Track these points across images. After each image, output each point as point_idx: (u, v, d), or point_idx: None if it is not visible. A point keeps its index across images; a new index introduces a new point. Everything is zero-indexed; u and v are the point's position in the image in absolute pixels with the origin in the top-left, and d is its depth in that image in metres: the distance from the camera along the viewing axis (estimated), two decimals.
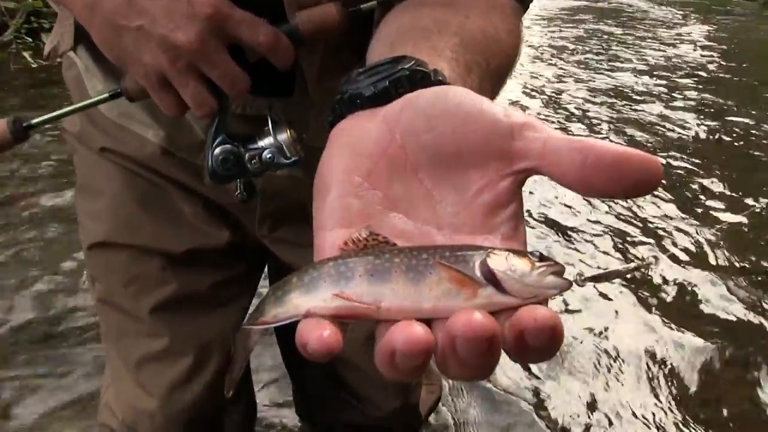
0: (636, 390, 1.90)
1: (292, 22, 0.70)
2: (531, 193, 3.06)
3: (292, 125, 0.75)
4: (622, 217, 2.95)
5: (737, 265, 2.57)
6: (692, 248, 2.68)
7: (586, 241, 2.73)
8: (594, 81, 5.35)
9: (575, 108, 4.59)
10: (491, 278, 0.39)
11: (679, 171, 3.51)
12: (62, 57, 0.98)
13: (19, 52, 4.49)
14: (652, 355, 2.04)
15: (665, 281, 2.44)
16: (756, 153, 3.91)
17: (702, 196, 3.21)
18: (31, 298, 2.14)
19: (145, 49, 0.66)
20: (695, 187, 3.33)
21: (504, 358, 0.37)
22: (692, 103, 4.87)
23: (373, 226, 0.42)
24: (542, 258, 0.41)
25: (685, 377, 1.96)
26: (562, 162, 0.40)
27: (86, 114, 1.01)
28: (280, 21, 0.70)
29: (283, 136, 0.74)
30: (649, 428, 1.77)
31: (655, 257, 2.53)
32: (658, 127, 4.25)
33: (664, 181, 3.26)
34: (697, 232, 2.82)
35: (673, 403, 1.86)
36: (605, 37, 7.40)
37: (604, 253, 2.64)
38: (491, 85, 0.60)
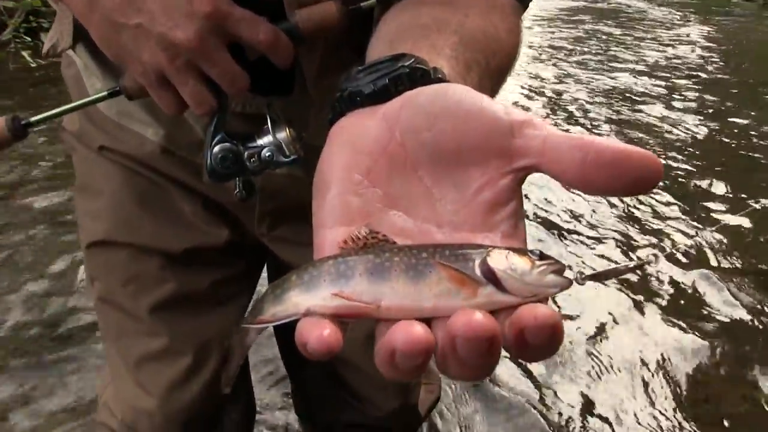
0: (635, 390, 1.90)
1: (291, 20, 0.70)
2: (531, 192, 3.06)
3: (292, 124, 0.75)
4: (621, 216, 2.95)
5: (737, 264, 2.57)
6: (692, 248, 2.68)
7: (586, 240, 2.73)
8: (594, 82, 5.35)
9: (575, 109, 4.59)
10: (491, 277, 0.39)
11: (678, 171, 3.51)
12: (61, 55, 0.98)
13: (17, 51, 4.49)
14: (651, 355, 2.04)
15: (665, 280, 2.44)
16: (756, 153, 3.91)
17: (701, 196, 3.21)
18: (25, 300, 2.14)
19: (144, 47, 0.66)
20: (694, 187, 3.33)
21: (504, 358, 0.37)
22: (692, 103, 4.88)
23: (373, 224, 0.42)
24: (542, 256, 0.41)
25: (684, 377, 1.96)
26: (562, 159, 0.40)
27: (85, 112, 1.00)
28: (279, 19, 0.70)
29: (283, 135, 0.74)
30: (649, 427, 1.77)
31: (655, 256, 2.53)
32: (658, 128, 4.25)
33: (663, 181, 3.26)
34: (696, 232, 2.82)
35: (672, 402, 1.86)
36: (604, 37, 7.40)
37: (604, 252, 2.65)
38: (491, 84, 0.60)
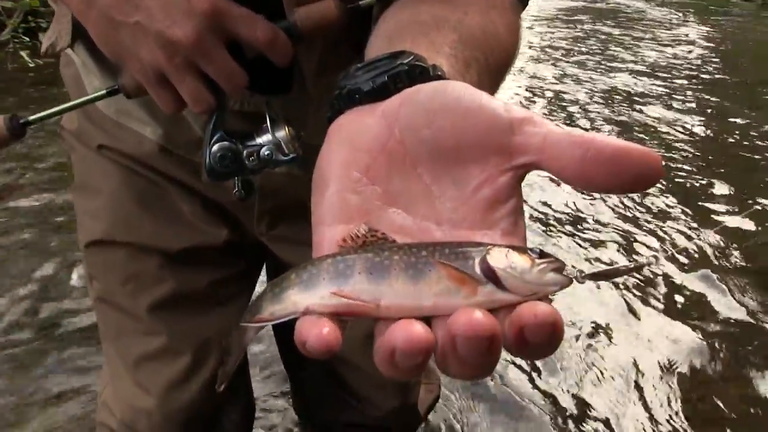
0: (635, 390, 1.90)
1: (290, 18, 0.70)
2: (532, 191, 3.06)
3: (291, 122, 0.75)
4: (622, 216, 2.95)
5: (737, 265, 2.57)
6: (692, 248, 2.68)
7: (586, 240, 2.73)
8: (593, 82, 5.35)
9: (574, 109, 4.59)
10: (491, 276, 0.39)
11: (678, 171, 3.51)
12: (59, 54, 0.98)
13: (16, 51, 4.49)
14: (651, 355, 2.04)
15: (665, 281, 2.44)
16: (756, 153, 3.91)
17: (701, 197, 3.21)
18: (17, 302, 2.13)
19: (142, 45, 0.66)
20: (694, 187, 3.33)
21: (504, 357, 0.37)
22: (691, 103, 4.88)
23: (372, 222, 0.42)
24: (542, 254, 0.40)
25: (684, 377, 1.96)
26: (561, 156, 0.39)
27: (84, 111, 1.00)
28: (278, 17, 0.70)
29: (282, 133, 0.74)
30: (649, 427, 1.77)
31: (656, 256, 2.53)
32: (657, 128, 4.26)
33: (663, 182, 3.26)
34: (696, 232, 2.82)
35: (672, 402, 1.86)
36: (603, 37, 7.40)
37: (604, 252, 2.64)
38: (490, 81, 0.59)
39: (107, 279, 1.06)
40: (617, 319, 2.20)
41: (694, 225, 2.90)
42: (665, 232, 2.82)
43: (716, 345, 2.09)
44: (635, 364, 2.00)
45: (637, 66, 6.01)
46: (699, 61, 6.39)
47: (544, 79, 5.36)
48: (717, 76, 5.90)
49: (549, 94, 4.97)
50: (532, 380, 1.90)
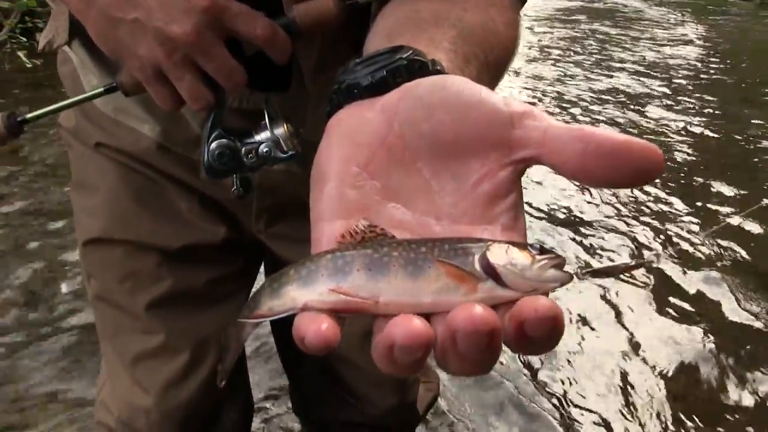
0: (635, 389, 1.90)
1: (289, 15, 0.70)
2: (532, 188, 3.07)
3: (289, 119, 0.75)
4: (622, 214, 2.95)
5: (738, 264, 2.58)
6: (692, 247, 2.69)
7: (587, 239, 2.73)
8: (591, 81, 5.35)
9: (573, 108, 4.60)
10: (491, 272, 0.38)
11: (678, 171, 3.51)
12: (57, 51, 0.97)
13: (13, 51, 4.48)
14: (652, 354, 2.05)
15: (666, 279, 2.44)
16: (756, 153, 3.92)
17: (702, 196, 3.21)
18: (11, 302, 2.13)
19: (140, 42, 0.65)
20: (695, 186, 3.33)
21: (504, 355, 0.37)
22: (690, 103, 4.88)
23: (371, 217, 0.42)
24: (543, 250, 0.40)
25: (684, 376, 1.96)
26: (562, 150, 0.39)
27: (81, 109, 1.00)
28: (277, 14, 0.70)
29: (280, 131, 0.74)
30: (649, 426, 1.77)
31: (657, 255, 2.53)
32: (657, 127, 4.26)
33: (664, 181, 3.27)
34: (697, 231, 2.83)
35: (672, 401, 1.86)
36: (601, 37, 7.41)
37: (605, 251, 2.65)
38: (489, 78, 0.59)
39: (105, 277, 1.06)
40: (617, 319, 2.20)
41: (694, 224, 2.90)
42: (665, 231, 2.82)
43: (716, 344, 2.09)
44: (636, 364, 2.00)
45: (635, 66, 6.01)
46: (697, 61, 6.40)
47: (543, 79, 5.37)
48: (715, 75, 5.91)
49: (547, 94, 4.98)
50: (532, 378, 1.90)
